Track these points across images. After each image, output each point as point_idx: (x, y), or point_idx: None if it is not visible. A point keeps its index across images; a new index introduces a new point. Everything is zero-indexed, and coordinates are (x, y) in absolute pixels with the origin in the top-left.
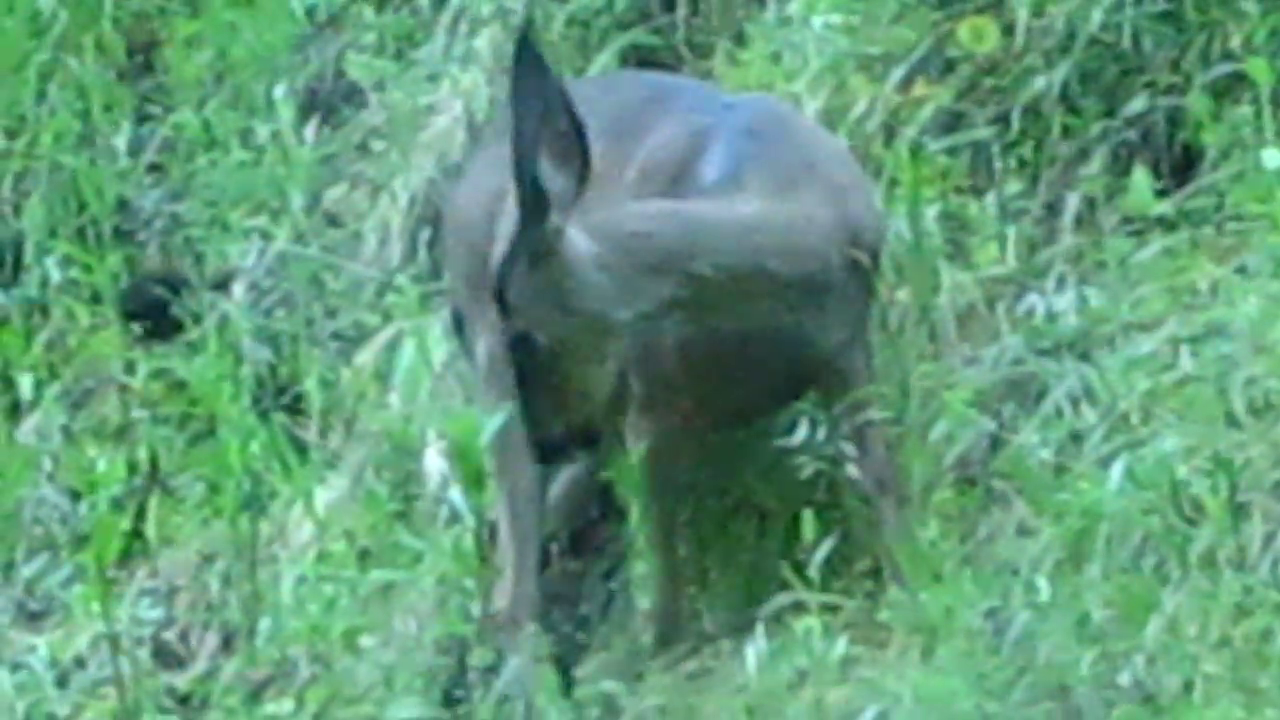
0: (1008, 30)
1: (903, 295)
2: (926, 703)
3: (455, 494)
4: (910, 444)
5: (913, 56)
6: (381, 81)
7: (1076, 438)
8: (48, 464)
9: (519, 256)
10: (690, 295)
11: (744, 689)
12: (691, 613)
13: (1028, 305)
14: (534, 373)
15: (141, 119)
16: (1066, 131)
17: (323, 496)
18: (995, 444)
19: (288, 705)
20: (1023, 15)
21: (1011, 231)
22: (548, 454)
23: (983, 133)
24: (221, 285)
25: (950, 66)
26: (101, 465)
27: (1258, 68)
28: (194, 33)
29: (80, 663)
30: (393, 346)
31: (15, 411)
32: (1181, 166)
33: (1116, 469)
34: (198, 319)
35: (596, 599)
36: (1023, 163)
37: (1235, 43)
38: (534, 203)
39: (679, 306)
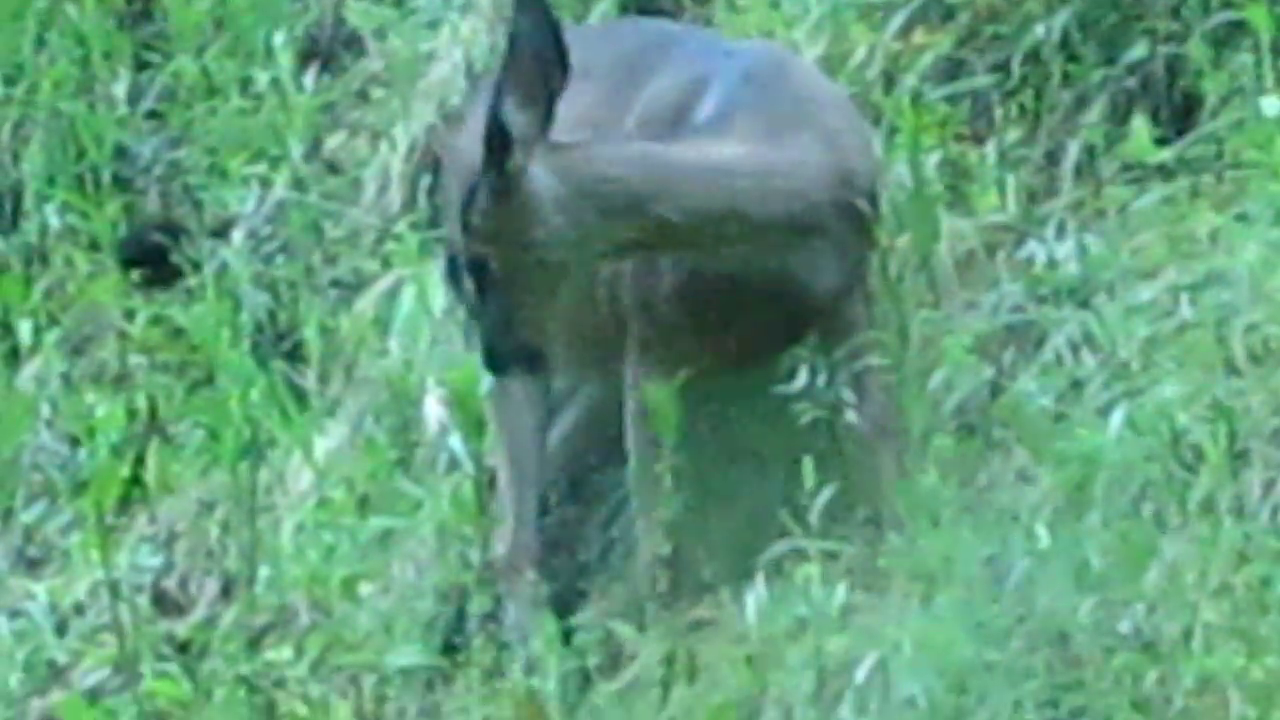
0: None
1: (902, 243)
2: (926, 650)
3: (455, 441)
4: (910, 391)
5: (912, 4)
6: (381, 28)
7: (1076, 385)
8: (47, 410)
9: (482, 189)
10: (654, 238)
11: (743, 636)
12: (691, 560)
13: (1027, 253)
14: (489, 291)
15: (141, 66)
16: (1066, 79)
17: (322, 444)
18: (995, 391)
19: (287, 652)
20: None
21: (1011, 179)
22: (495, 368)
23: (983, 80)
24: (221, 232)
25: (950, 14)
26: (100, 412)
27: (1258, 15)
28: None
29: (79, 610)
30: (392, 294)
31: (14, 358)
32: (1181, 114)
33: (1116, 416)
34: (197, 266)
35: (596, 546)
36: (1023, 110)
37: None
38: (497, 141)
39: (642, 247)
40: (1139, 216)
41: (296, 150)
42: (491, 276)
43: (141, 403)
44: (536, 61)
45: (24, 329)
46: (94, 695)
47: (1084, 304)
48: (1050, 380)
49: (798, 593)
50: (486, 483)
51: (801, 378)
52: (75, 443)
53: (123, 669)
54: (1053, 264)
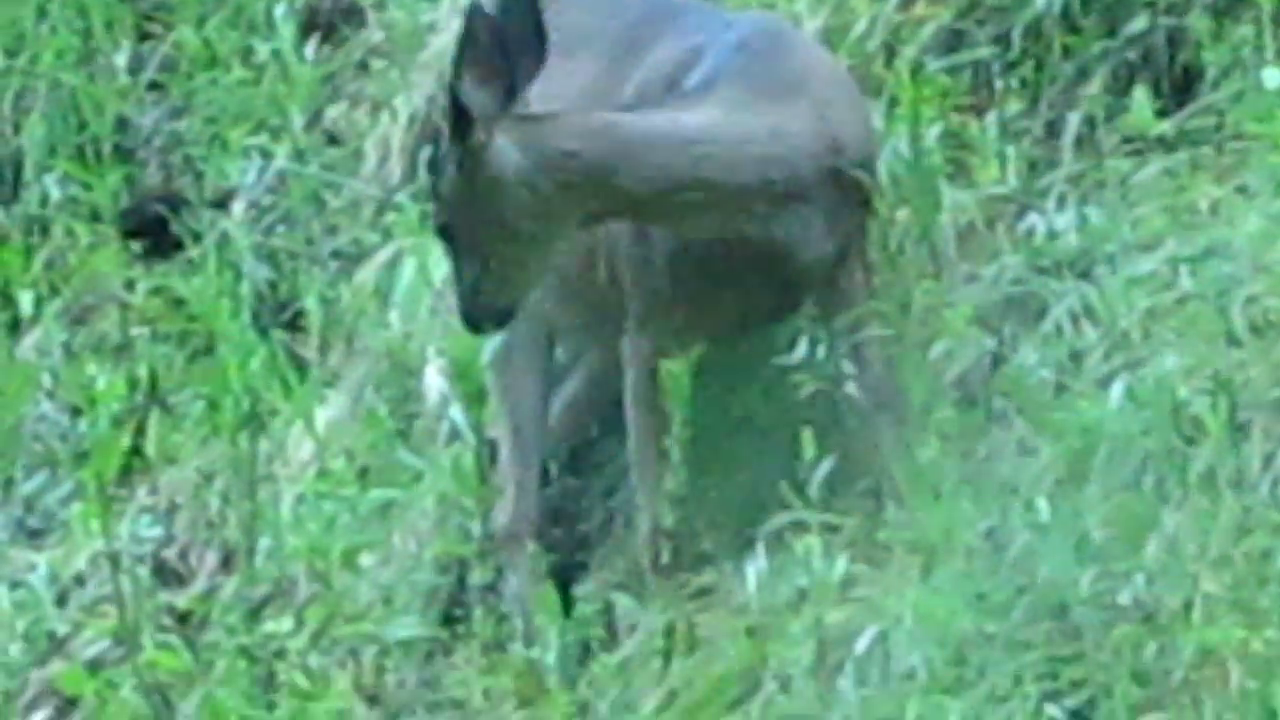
0: None
1: (903, 215)
2: (926, 622)
3: (455, 412)
4: (910, 363)
5: None
6: (381, 0)
7: (1076, 357)
8: (48, 381)
9: (448, 164)
10: (621, 207)
11: (744, 608)
12: (691, 532)
13: (1028, 224)
14: (461, 258)
15: (142, 37)
16: (1067, 51)
17: (322, 414)
18: (995, 363)
19: (287, 623)
20: None
21: (1012, 151)
22: (471, 327)
23: (983, 52)
24: (221, 203)
25: None
26: (101, 382)
27: None
28: None
29: (80, 580)
30: (393, 264)
31: (15, 328)
32: (1182, 86)
33: (1116, 388)
34: (197, 237)
35: (596, 517)
36: (1023, 82)
37: None
38: (456, 119)
39: (612, 216)
40: (1140, 188)
41: (297, 121)
42: (461, 244)
43: (142, 373)
44: (496, 38)
45: (25, 299)
46: (94, 666)
47: (1085, 276)
48: (1051, 352)
49: (798, 564)
50: (487, 454)
51: (801, 349)
52: (76, 413)
53: (123, 640)
54: (1053, 236)
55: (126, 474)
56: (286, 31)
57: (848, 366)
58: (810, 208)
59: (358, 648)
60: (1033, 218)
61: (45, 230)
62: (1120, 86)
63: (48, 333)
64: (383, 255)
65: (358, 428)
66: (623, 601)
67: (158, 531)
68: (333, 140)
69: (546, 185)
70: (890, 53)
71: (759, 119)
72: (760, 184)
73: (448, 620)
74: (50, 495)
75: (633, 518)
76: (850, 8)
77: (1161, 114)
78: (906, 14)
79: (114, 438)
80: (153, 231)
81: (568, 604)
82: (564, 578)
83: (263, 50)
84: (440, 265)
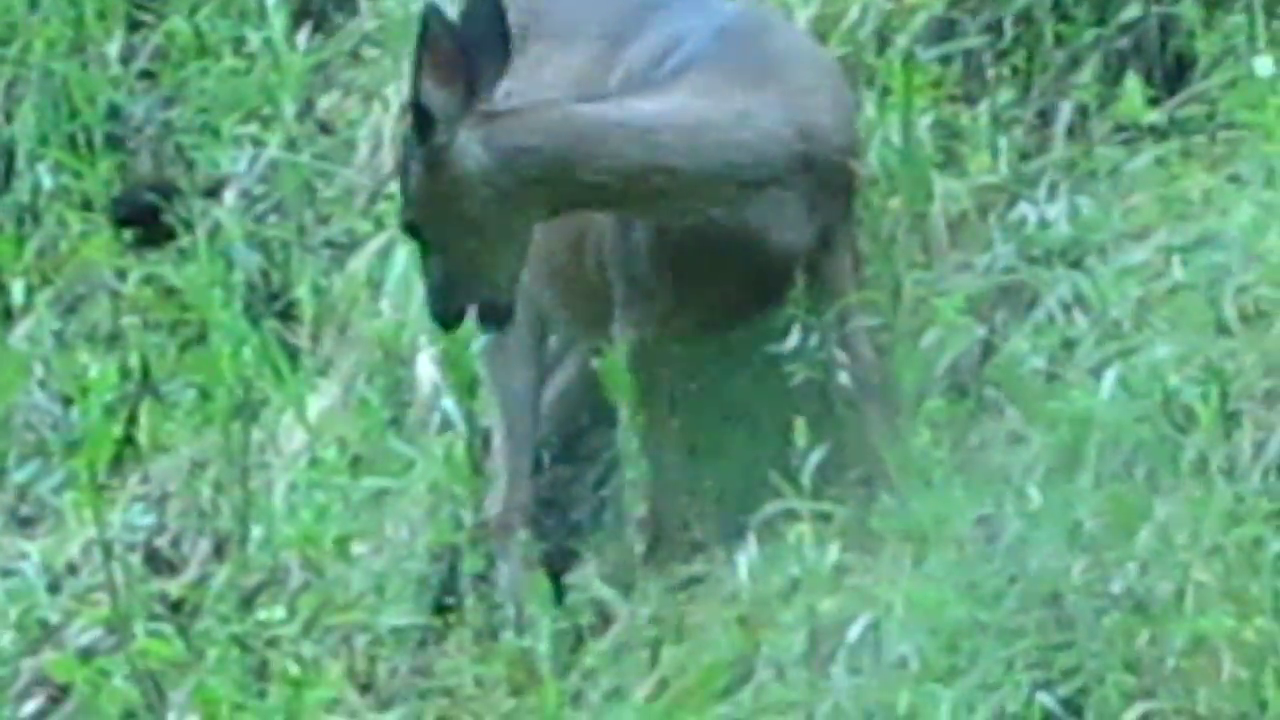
0: None
1: (894, 204)
2: (918, 610)
3: (447, 401)
4: (902, 352)
5: None
6: None
7: (1068, 346)
8: (39, 369)
9: (413, 164)
10: (585, 197)
11: (735, 597)
12: (683, 520)
13: (1020, 213)
14: (429, 254)
15: (134, 26)
16: (1059, 39)
17: (314, 403)
18: (987, 352)
19: (279, 612)
20: None
21: (1003, 140)
22: (440, 325)
23: (975, 41)
24: (213, 192)
25: None
26: (93, 371)
27: None
28: None
29: (72, 569)
30: (385, 253)
31: (7, 317)
32: (1174, 74)
33: (1108, 377)
34: (189, 226)
35: (588, 506)
36: (1015, 71)
37: None
38: (417, 120)
39: (578, 206)
40: (1131, 177)
41: (289, 110)
42: (429, 242)
43: (134, 362)
44: (455, 39)
45: (16, 288)
46: (86, 654)
47: (1076, 265)
48: (1042, 341)
49: (790, 553)
50: (479, 442)
51: (793, 338)
52: (68, 402)
53: (115, 628)
54: (1045, 225)
55: (118, 463)
56: (278, 20)
57: (839, 355)
58: (786, 194)
59: (350, 636)
60: (1024, 207)
61: (37, 219)
62: (1112, 75)
63: (39, 321)
64: (375, 244)
65: (350, 416)
66: (614, 590)
67: (150, 520)
68: (325, 129)
69: (509, 181)
70: (882, 42)
71: (724, 104)
72: (725, 169)
73: (440, 609)
74: (42, 484)
75: (624, 506)
76: None
77: (1153, 103)
78: (898, 3)
79: (106, 426)
80: (144, 220)
81: (559, 592)
82: (556, 566)
83: (254, 39)
84: None
